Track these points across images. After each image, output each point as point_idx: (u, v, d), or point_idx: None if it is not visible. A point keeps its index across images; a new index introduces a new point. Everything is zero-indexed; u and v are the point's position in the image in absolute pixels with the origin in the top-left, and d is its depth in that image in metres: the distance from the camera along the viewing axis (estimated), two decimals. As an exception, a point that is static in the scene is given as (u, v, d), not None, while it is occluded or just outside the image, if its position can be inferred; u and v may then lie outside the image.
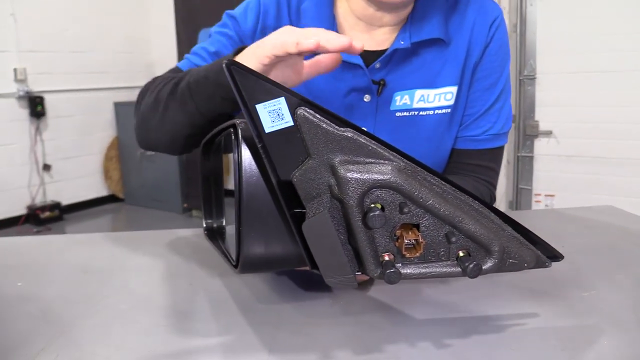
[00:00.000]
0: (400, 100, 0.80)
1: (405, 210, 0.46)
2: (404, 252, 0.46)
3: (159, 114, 0.72)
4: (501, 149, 0.88)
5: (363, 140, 0.47)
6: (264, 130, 0.46)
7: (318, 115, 0.47)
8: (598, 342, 0.52)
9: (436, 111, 0.81)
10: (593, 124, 2.83)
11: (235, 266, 0.54)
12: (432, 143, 0.83)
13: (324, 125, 0.46)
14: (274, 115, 0.46)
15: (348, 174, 0.45)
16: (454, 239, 0.47)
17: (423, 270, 0.47)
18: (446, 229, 0.47)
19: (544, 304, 0.62)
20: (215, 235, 0.68)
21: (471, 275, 0.46)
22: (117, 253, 0.81)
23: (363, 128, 0.48)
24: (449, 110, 0.82)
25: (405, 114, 0.80)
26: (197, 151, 0.70)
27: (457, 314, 0.59)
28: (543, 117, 2.97)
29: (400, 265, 0.47)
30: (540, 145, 3.00)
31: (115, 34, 4.47)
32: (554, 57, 2.86)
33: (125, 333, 0.55)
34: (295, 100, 0.47)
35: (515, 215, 0.80)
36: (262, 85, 0.46)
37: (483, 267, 0.48)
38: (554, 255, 0.54)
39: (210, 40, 0.81)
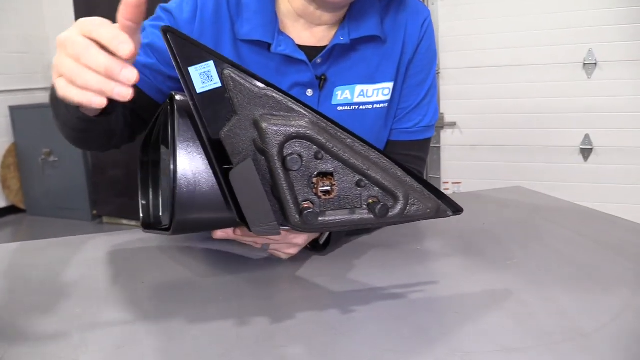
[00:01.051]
0: (342, 94, 0.83)
1: (320, 156, 0.51)
2: (320, 194, 0.51)
3: (56, 119, 0.69)
4: (429, 140, 0.94)
5: (281, 98, 0.52)
6: (195, 91, 0.50)
7: (242, 76, 0.51)
8: (527, 301, 0.60)
9: (375, 105, 0.85)
10: (493, 115, 3.07)
11: (168, 229, 0.58)
12: (372, 135, 0.86)
13: (247, 85, 0.51)
14: (204, 77, 0.51)
15: (269, 126, 0.50)
16: (363, 185, 0.53)
17: (339, 217, 0.53)
18: (357, 177, 0.53)
19: (477, 272, 0.69)
20: (152, 227, 0.69)
21: (380, 214, 0.52)
22: (54, 260, 0.79)
23: (281, 88, 0.52)
24: (386, 105, 0.85)
25: (346, 108, 0.83)
26: (104, 155, 0.70)
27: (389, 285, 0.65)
28: (447, 109, 3.17)
29: (318, 211, 0.53)
30: (446, 136, 3.20)
31: (7, 32, 4.15)
32: (455, 54, 3.07)
33: (85, 333, 0.55)
34: (223, 62, 0.51)
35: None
36: (194, 50, 0.50)
37: (390, 212, 0.54)
38: (456, 209, 0.59)
39: (144, 33, 0.80)
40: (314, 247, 0.78)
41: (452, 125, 3.18)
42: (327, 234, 0.75)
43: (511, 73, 2.97)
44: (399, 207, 0.54)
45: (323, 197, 0.52)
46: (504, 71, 2.99)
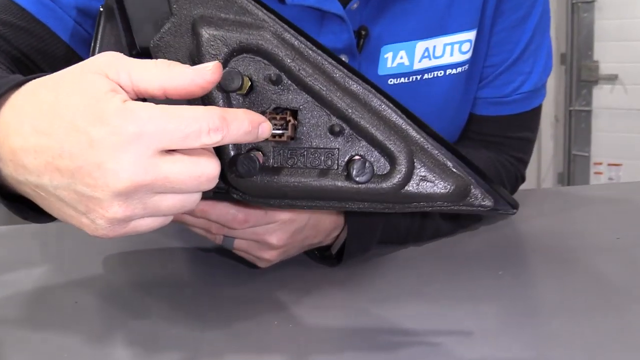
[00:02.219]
0: (394, 59, 0.62)
1: (279, 81, 0.41)
2: (270, 137, 0.40)
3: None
4: (538, 109, 0.71)
5: None
6: None
7: None
8: None
9: (448, 71, 0.63)
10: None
11: None
12: (444, 119, 0.66)
13: None
14: None
15: (207, 31, 0.41)
16: (341, 132, 0.41)
17: (299, 180, 0.41)
18: (333, 120, 0.41)
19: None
20: None
21: (359, 179, 0.39)
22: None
23: None
24: (465, 67, 0.64)
25: (402, 80, 0.63)
26: None
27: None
28: (604, 55, 2.48)
29: (265, 165, 0.41)
30: (602, 95, 2.54)
31: None
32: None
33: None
34: None
35: (568, 192, 0.70)
36: None
37: (379, 181, 0.41)
38: (506, 202, 0.44)
39: None
40: (323, 257, 0.59)
41: (611, 79, 2.49)
42: (343, 238, 0.56)
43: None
44: (396, 175, 0.41)
45: (275, 143, 0.42)
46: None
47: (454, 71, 0.64)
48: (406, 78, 0.63)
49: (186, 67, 0.33)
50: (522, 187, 0.74)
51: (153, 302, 0.55)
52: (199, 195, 0.34)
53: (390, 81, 0.62)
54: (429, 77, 0.63)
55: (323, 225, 0.54)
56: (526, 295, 0.53)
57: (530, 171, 0.75)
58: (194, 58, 0.42)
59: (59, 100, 0.31)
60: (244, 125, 0.33)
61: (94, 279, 0.62)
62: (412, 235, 0.61)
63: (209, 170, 0.33)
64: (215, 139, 0.32)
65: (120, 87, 0.32)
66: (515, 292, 0.53)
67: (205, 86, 0.33)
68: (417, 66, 0.62)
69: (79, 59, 0.56)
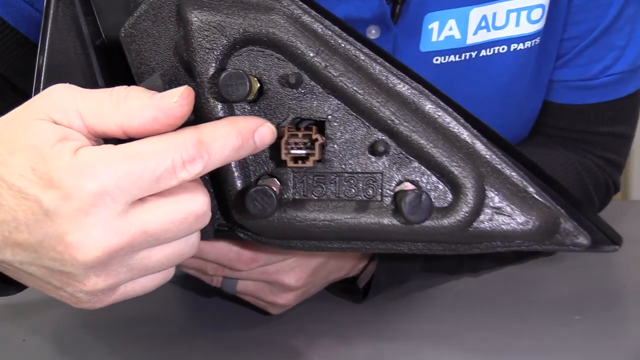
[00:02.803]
0: (440, 30, 0.53)
1: (298, 83, 0.33)
2: (292, 164, 0.33)
3: None
4: (636, 96, 0.60)
5: None
6: None
7: None
8: None
9: (513, 46, 0.54)
10: None
11: None
12: (508, 109, 0.56)
13: None
14: None
15: (199, 16, 0.33)
16: (385, 152, 0.34)
17: (331, 217, 0.34)
18: (374, 135, 0.34)
19: None
20: None
21: (412, 216, 0.31)
22: None
23: None
24: (536, 40, 0.54)
25: (451, 58, 0.53)
26: None
27: None
28: None
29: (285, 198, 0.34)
30: None
31: None
32: None
33: None
34: None
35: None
36: None
37: (440, 217, 0.34)
38: (608, 237, 0.36)
39: None
40: (347, 291, 0.52)
41: None
42: (372, 269, 0.48)
43: None
44: (461, 208, 0.34)
45: (297, 168, 0.35)
46: None
47: (520, 46, 0.54)
48: (457, 56, 0.53)
49: (147, 99, 0.27)
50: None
51: (123, 345, 0.50)
52: (196, 237, 0.29)
53: (436, 60, 0.52)
54: (488, 54, 0.54)
55: (350, 255, 0.47)
56: (610, 346, 0.45)
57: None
58: (182, 53, 0.34)
59: (1, 162, 0.27)
60: (230, 140, 0.28)
61: (45, 317, 0.58)
62: (466, 264, 0.54)
63: (195, 207, 0.28)
64: (195, 171, 0.26)
65: (73, 129, 0.27)
66: (597, 343, 0.45)
67: (173, 123, 0.27)
68: (471, 40, 0.53)
69: (34, 47, 0.50)
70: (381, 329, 0.48)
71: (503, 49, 0.54)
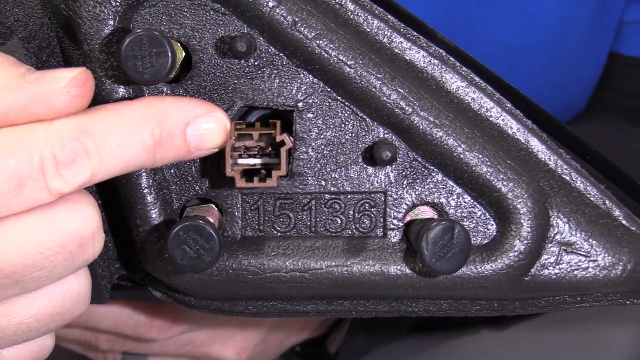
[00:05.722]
0: None
1: (249, 56, 0.23)
2: (238, 181, 0.22)
3: None
4: None
5: None
6: None
7: None
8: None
9: None
10: None
11: None
12: (557, 65, 0.45)
13: None
14: None
15: None
16: (391, 158, 0.23)
17: (297, 263, 0.23)
18: (374, 135, 0.24)
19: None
20: None
21: (438, 252, 0.21)
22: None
23: None
24: None
25: None
26: None
27: None
28: None
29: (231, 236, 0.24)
30: None
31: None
32: None
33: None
34: None
35: None
36: None
37: (484, 264, 0.23)
38: None
39: None
40: (312, 359, 0.40)
41: None
42: (346, 326, 0.37)
43: None
44: (511, 246, 0.23)
45: (249, 190, 0.24)
46: None
47: None
48: None
49: (17, 76, 0.18)
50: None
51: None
52: (82, 283, 0.20)
53: None
54: None
55: None
56: None
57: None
58: (59, 3, 0.25)
59: None
60: (138, 134, 0.19)
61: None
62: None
63: (76, 225, 0.19)
64: (77, 179, 0.18)
65: None
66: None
67: (54, 118, 0.19)
68: None
69: None
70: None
71: None
